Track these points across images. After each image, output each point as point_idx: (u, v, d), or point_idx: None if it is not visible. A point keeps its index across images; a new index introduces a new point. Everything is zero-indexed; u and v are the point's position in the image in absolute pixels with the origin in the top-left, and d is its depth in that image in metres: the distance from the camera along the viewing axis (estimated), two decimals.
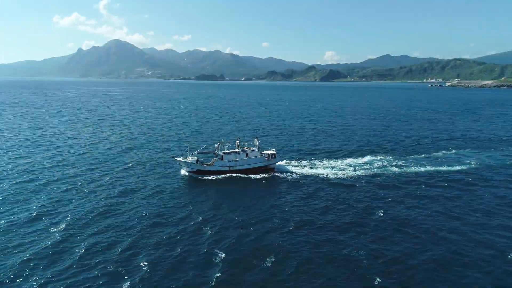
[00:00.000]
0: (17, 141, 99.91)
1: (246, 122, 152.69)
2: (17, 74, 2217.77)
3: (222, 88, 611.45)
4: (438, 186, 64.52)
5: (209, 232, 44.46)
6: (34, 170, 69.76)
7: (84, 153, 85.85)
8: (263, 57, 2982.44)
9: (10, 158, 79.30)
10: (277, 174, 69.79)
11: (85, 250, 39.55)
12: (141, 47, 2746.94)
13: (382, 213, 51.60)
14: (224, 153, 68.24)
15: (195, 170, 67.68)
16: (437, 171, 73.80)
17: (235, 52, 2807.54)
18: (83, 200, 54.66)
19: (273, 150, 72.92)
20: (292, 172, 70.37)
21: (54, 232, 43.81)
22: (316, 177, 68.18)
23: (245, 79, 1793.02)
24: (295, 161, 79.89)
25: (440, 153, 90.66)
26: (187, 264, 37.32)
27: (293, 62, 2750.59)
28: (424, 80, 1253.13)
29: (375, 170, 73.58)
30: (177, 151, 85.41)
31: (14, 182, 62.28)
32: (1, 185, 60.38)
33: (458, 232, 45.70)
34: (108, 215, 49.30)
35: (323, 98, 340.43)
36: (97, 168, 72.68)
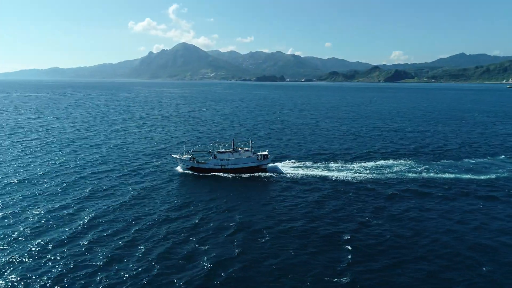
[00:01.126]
0: (73, 136, 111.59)
1: (279, 123, 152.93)
2: (95, 76, 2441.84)
3: (279, 90, 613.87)
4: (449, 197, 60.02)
5: (193, 231, 46.63)
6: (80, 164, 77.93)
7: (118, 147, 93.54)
8: (325, 58, 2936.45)
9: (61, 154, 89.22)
10: (271, 174, 70.55)
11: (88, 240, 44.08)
12: (206, 50, 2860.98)
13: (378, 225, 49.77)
14: (217, 152, 71.22)
15: (189, 167, 71.44)
16: (458, 179, 68.50)
17: (297, 53, 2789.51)
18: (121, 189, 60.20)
19: (266, 152, 74.63)
20: (284, 173, 70.81)
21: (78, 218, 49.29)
22: (311, 178, 67.75)
23: (305, 80, 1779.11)
24: (297, 162, 79.04)
25: (474, 160, 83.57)
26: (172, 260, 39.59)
27: (357, 62, 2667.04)
28: (504, 80, 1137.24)
29: (389, 175, 70.28)
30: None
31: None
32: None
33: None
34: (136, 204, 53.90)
35: (378, 100, 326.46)
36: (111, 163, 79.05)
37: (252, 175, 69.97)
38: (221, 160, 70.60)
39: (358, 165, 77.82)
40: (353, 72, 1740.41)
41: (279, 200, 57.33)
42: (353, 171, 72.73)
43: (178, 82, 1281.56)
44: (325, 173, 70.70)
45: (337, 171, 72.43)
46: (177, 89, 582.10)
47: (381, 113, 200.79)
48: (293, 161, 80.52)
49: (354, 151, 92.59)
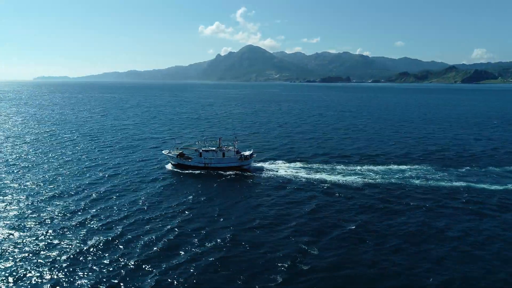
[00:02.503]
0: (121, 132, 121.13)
1: (311, 124, 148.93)
2: (167, 78, 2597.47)
3: (341, 91, 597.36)
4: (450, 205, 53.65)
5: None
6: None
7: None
8: (396, 58, 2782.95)
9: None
10: (254, 174, 69.76)
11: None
12: (271, 51, 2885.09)
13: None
14: (202, 150, 72.03)
15: (176, 163, 73.41)
16: (470, 187, 60.93)
17: (365, 53, 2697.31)
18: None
19: (248, 152, 73.69)
20: (267, 173, 69.47)
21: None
22: (291, 180, 65.24)
23: (373, 81, 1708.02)
24: (288, 162, 76.18)
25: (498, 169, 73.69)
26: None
27: (431, 62, 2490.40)
28: None
29: (393, 180, 64.91)
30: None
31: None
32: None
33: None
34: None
35: (442, 102, 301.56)
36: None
37: (237, 174, 69.43)
38: (204, 158, 71.59)
39: (366, 168, 73.09)
40: (426, 73, 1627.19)
41: (246, 199, 56.22)
42: (360, 175, 68.26)
43: (241, 84, 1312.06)
44: (318, 176, 67.50)
45: (332, 174, 68.69)
46: (235, 90, 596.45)
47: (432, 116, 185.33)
48: (288, 162, 78.49)
49: (371, 155, 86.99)
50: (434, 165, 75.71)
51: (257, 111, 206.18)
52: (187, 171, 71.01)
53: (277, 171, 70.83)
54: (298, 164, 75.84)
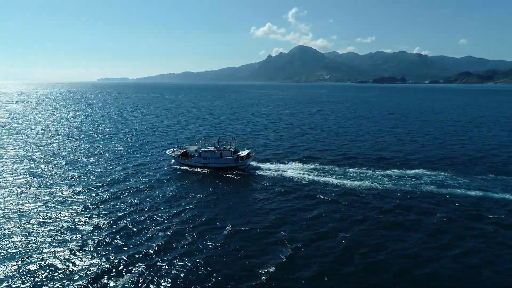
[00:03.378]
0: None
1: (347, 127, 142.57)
2: (219, 79, 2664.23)
3: (394, 93, 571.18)
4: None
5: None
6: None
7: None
8: (458, 57, 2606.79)
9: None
10: (250, 174, 67.83)
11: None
12: (323, 52, 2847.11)
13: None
14: (202, 150, 71.93)
15: (178, 162, 74.34)
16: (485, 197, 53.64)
17: (424, 53, 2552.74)
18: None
19: (244, 152, 72.26)
20: (263, 174, 67.21)
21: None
22: (291, 182, 61.37)
23: (430, 82, 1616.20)
24: (286, 163, 72.14)
25: None
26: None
27: (499, 61, 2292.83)
28: None
29: (402, 187, 59.19)
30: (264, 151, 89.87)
31: None
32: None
33: None
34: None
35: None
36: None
37: (234, 174, 67.85)
38: (203, 158, 71.74)
39: (380, 172, 67.64)
40: (491, 73, 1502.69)
41: (235, 201, 54.08)
42: (370, 179, 63.32)
43: (290, 84, 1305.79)
44: (324, 179, 63.41)
45: (341, 178, 64.20)
46: (282, 91, 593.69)
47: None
48: (295, 162, 75.32)
49: (389, 158, 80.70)
50: (464, 172, 68.20)
51: (294, 113, 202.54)
52: (188, 171, 70.94)
53: (282, 172, 67.97)
54: (306, 166, 72.11)
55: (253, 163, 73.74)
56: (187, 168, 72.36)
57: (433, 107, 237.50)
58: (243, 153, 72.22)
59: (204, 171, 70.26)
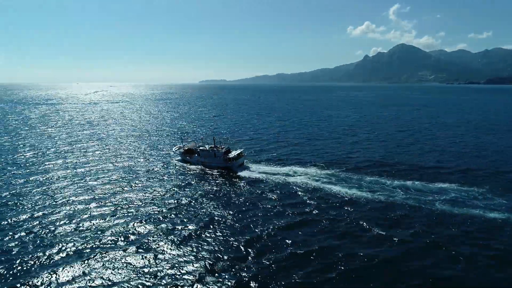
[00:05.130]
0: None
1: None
2: (314, 80, 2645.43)
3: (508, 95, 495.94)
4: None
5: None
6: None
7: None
8: None
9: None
10: (240, 174, 65.64)
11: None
12: (427, 50, 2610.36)
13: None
14: (200, 149, 74.14)
15: (182, 159, 77.56)
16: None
17: None
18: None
19: (235, 153, 70.96)
20: (257, 175, 64.96)
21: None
22: (284, 186, 56.51)
23: None
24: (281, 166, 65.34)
25: None
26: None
27: None
28: None
29: (413, 201, 50.23)
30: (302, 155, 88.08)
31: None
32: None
33: None
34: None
35: None
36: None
37: (224, 174, 66.93)
38: (200, 156, 74.05)
39: (398, 183, 58.72)
40: None
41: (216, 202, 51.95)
42: (378, 191, 55.74)
43: (384, 86, 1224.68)
44: (328, 186, 57.44)
45: (349, 187, 57.36)
46: (370, 92, 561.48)
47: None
48: (300, 166, 70.39)
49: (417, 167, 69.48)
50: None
51: (365, 116, 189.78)
52: (189, 167, 72.39)
53: (273, 174, 64.80)
54: (309, 171, 66.68)
55: (256, 165, 71.60)
56: (187, 164, 74.54)
57: None
58: (233, 153, 71.55)
59: (201, 169, 70.78)
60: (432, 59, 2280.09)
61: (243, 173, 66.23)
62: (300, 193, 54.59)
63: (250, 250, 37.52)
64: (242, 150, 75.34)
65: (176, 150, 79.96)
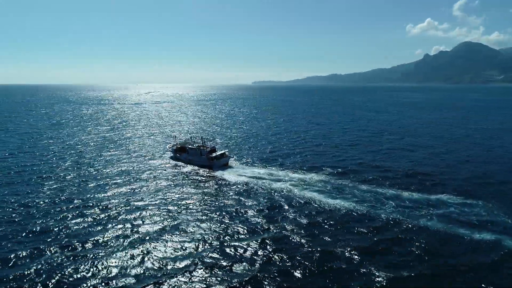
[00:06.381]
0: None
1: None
2: (369, 81, 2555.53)
3: None
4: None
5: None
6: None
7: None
8: None
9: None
10: (223, 174, 66.45)
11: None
12: (497, 48, 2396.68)
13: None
14: (189, 148, 76.07)
15: (173, 156, 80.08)
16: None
17: None
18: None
19: (218, 153, 73.41)
20: (232, 178, 64.25)
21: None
22: (261, 188, 54.49)
23: None
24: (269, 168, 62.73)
25: None
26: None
27: None
28: None
29: (400, 216, 46.80)
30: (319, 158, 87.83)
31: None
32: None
33: None
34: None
35: None
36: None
37: (207, 172, 68.58)
38: (188, 154, 76.43)
39: (394, 192, 55.04)
40: None
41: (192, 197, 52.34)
42: (365, 202, 52.77)
43: (442, 86, 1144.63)
44: (303, 192, 55.58)
45: (331, 197, 54.92)
46: (421, 94, 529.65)
47: None
48: (286, 169, 67.83)
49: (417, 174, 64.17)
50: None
51: (400, 118, 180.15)
52: (180, 165, 74.95)
53: (249, 177, 64.45)
54: (295, 175, 64.61)
55: (243, 166, 72.18)
56: (179, 161, 77.25)
57: None
58: (216, 153, 73.54)
59: (189, 167, 72.82)
60: (501, 57, 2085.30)
61: (228, 175, 66.02)
62: (282, 202, 53.09)
63: (228, 254, 37.67)
64: (226, 150, 77.84)
65: (169, 148, 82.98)
